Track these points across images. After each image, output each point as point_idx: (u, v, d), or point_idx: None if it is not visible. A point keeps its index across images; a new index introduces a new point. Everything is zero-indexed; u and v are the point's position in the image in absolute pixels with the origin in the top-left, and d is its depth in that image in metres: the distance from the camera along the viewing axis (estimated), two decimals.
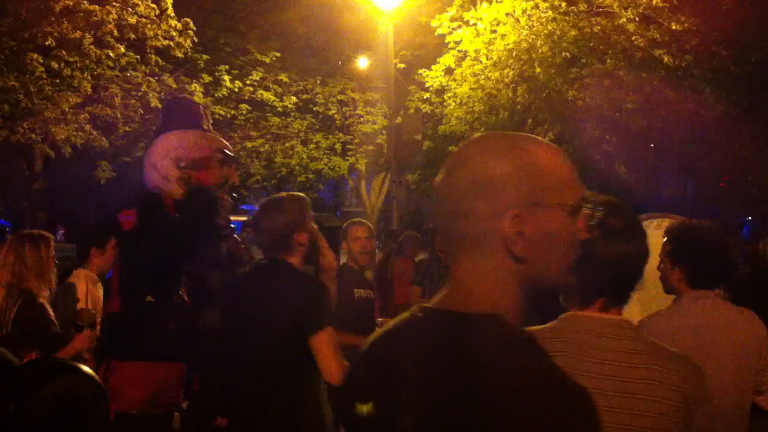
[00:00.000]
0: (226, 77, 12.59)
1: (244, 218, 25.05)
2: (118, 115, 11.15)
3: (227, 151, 3.44)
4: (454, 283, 1.25)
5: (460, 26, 11.96)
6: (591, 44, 11.92)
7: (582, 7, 11.62)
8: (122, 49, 9.92)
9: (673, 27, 11.35)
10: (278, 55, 13.19)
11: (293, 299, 2.93)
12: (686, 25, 11.26)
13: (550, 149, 1.24)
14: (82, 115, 10.54)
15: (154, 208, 3.24)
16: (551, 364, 1.18)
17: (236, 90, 12.87)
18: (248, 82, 13.07)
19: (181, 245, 3.14)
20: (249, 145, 13.62)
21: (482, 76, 12.08)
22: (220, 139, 3.54)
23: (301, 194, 3.28)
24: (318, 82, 13.83)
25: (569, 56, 11.98)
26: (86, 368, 1.53)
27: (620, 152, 15.52)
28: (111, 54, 9.82)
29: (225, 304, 3.18)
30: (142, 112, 11.49)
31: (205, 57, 12.45)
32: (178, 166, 3.25)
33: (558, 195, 1.18)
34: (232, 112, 13.15)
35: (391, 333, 1.30)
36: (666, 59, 11.50)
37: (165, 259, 3.11)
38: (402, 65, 13.40)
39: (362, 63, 14.56)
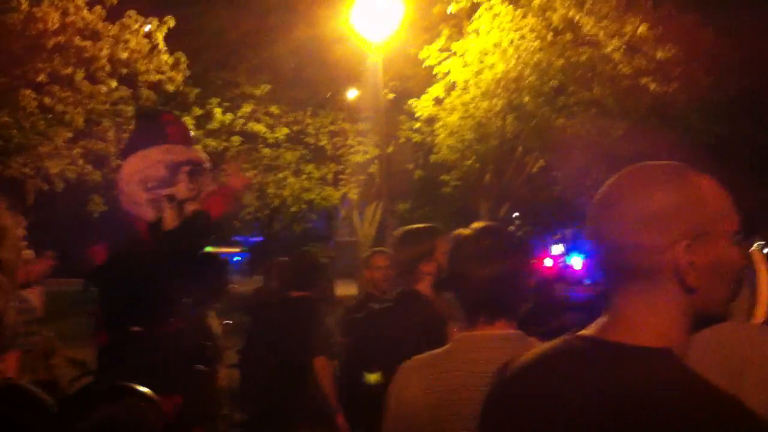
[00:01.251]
0: (217, 110, 12.71)
1: (237, 249, 25.04)
2: (111, 149, 11.24)
3: (197, 161, 3.36)
4: (614, 313, 1.25)
5: (448, 57, 12.12)
6: (578, 73, 12.07)
7: (568, 37, 11.78)
8: (114, 84, 10.02)
9: (658, 56, 11.50)
10: (269, 87, 13.32)
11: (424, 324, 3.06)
12: (671, 52, 11.42)
13: (708, 178, 1.26)
14: (75, 150, 10.62)
15: (125, 236, 3.25)
16: (736, 403, 1.14)
17: (227, 122, 12.97)
18: (239, 114, 13.18)
19: (161, 271, 3.05)
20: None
21: (471, 105, 12.22)
22: (190, 149, 3.43)
23: (435, 226, 3.39)
24: (309, 114, 13.96)
25: (557, 85, 12.14)
26: (144, 389, 1.50)
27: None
28: (103, 89, 9.92)
29: (360, 331, 3.46)
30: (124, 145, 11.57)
31: (195, 90, 12.56)
32: (145, 189, 3.20)
33: (723, 223, 1.20)
34: (224, 144, 13.25)
35: (546, 360, 1.29)
36: (652, 87, 11.65)
37: (144, 287, 3.04)
38: (392, 96, 13.53)
39: (352, 94, 14.70)
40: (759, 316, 2.71)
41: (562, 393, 1.21)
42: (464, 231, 2.16)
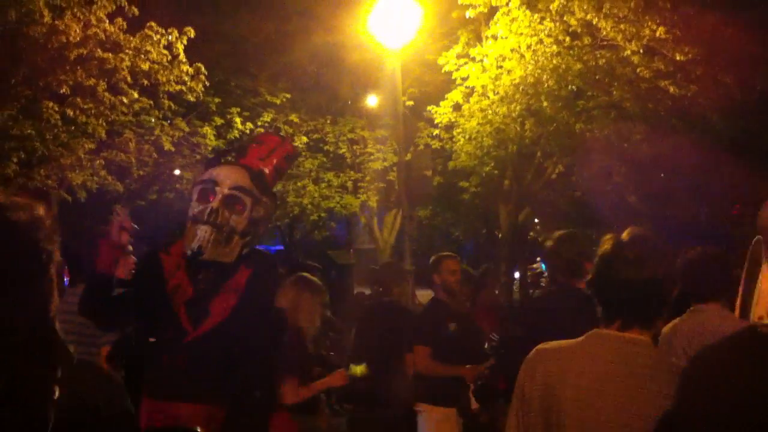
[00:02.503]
0: (237, 119, 12.80)
1: None
2: (132, 160, 11.35)
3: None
4: None
5: (466, 63, 12.13)
6: (596, 77, 12.03)
7: (586, 40, 11.75)
8: (136, 95, 10.13)
9: (678, 58, 11.44)
10: (288, 96, 13.41)
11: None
12: (690, 55, 11.35)
13: None
14: (97, 161, 10.74)
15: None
16: None
17: (247, 132, 13.06)
18: (259, 123, 13.27)
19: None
20: None
21: (490, 111, 12.20)
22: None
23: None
24: (328, 122, 14.03)
25: (575, 89, 12.11)
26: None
27: (630, 182, 15.58)
28: (125, 100, 10.03)
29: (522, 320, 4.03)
30: (155, 155, 11.68)
31: (216, 100, 12.67)
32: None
33: None
34: None
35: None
36: (671, 89, 11.58)
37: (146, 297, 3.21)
38: (411, 102, 13.57)
39: (371, 101, 14.75)
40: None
41: None
42: (617, 236, 2.28)
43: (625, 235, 2.25)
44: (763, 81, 12.87)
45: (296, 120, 13.60)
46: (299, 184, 14.02)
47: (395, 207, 14.75)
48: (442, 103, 12.81)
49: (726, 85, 12.28)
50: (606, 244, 2.28)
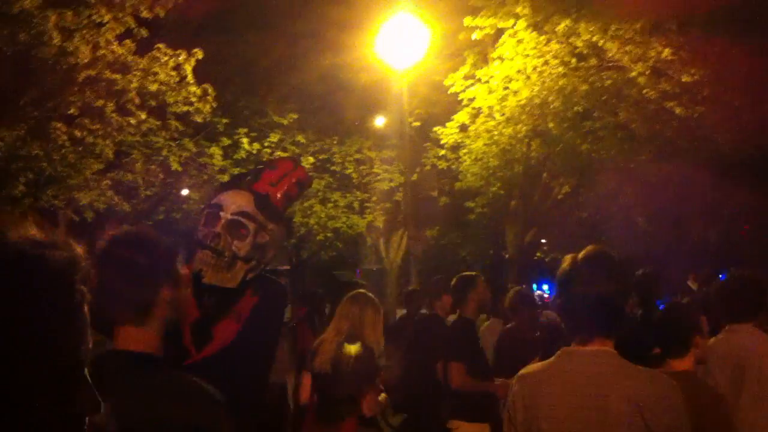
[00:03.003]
0: (245, 140, 12.85)
1: None
2: (140, 180, 11.40)
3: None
4: None
5: (473, 84, 12.16)
6: (603, 98, 12.05)
7: (592, 62, 11.78)
8: (143, 116, 10.18)
9: (684, 79, 11.45)
10: (295, 116, 13.46)
11: None
12: (696, 76, 11.36)
13: None
14: (105, 181, 10.78)
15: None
16: None
17: (254, 152, 13.10)
18: (266, 143, 13.31)
19: None
20: None
21: (496, 132, 12.23)
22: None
23: None
24: (335, 142, 14.07)
25: (581, 110, 12.13)
26: None
27: (638, 203, 15.56)
28: (132, 121, 10.08)
29: None
30: (161, 176, 11.73)
31: (224, 120, 12.73)
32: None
33: None
34: None
35: None
36: (678, 110, 11.59)
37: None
38: (417, 123, 13.60)
39: (378, 122, 14.80)
40: None
41: None
42: (574, 255, 2.47)
43: (581, 254, 2.42)
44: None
45: (303, 140, 13.65)
46: (306, 204, 14.05)
47: (402, 227, 14.75)
48: (448, 124, 12.84)
49: (733, 106, 12.28)
50: (564, 263, 2.47)
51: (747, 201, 16.67)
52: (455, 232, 16.70)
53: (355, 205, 14.55)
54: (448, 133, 12.89)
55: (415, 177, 13.10)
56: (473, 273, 6.11)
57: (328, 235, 14.80)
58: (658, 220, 16.77)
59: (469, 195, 13.90)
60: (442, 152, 13.50)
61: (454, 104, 12.79)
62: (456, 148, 13.17)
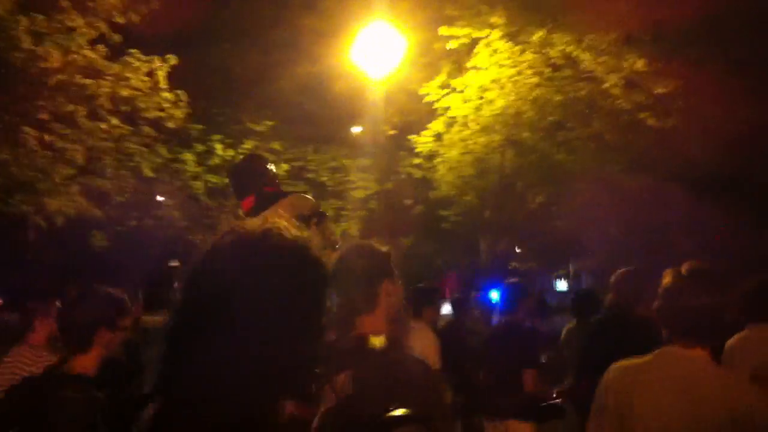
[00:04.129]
0: (218, 146, 12.75)
1: None
2: (110, 186, 11.28)
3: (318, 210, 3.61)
4: None
5: (448, 93, 12.19)
6: (577, 108, 12.12)
7: (567, 72, 11.85)
8: (115, 122, 10.08)
9: (657, 90, 11.54)
10: (271, 123, 13.38)
11: None
12: (670, 88, 11.45)
13: None
14: (75, 187, 10.66)
15: None
16: None
17: (229, 159, 13.01)
18: (241, 150, 13.22)
19: None
20: (242, 212, 13.66)
21: (471, 141, 12.26)
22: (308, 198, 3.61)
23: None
24: (310, 150, 14.01)
25: (556, 120, 12.19)
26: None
27: (612, 213, 15.63)
28: (103, 126, 9.97)
29: None
30: (132, 181, 11.61)
31: (198, 127, 12.64)
32: None
33: None
34: (225, 180, 13.25)
35: None
36: (651, 121, 11.67)
37: None
38: (393, 132, 13.58)
39: (354, 130, 14.74)
40: None
41: None
42: (677, 269, 2.80)
43: (684, 269, 2.76)
44: (744, 115, 12.98)
45: (279, 148, 13.56)
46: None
47: (376, 236, 14.69)
48: (423, 133, 12.85)
49: (706, 118, 12.39)
50: (668, 276, 2.81)
51: (721, 213, 16.80)
52: (429, 241, 16.68)
53: (330, 212, 14.45)
54: (422, 142, 12.90)
55: (389, 185, 13.07)
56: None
57: None
58: (632, 230, 16.84)
59: (443, 204, 13.91)
60: (418, 161, 13.49)
61: (429, 113, 12.81)
62: (431, 157, 13.18)
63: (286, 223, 1.43)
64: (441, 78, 12.35)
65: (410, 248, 16.13)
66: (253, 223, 1.42)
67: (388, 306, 2.53)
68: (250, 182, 4.16)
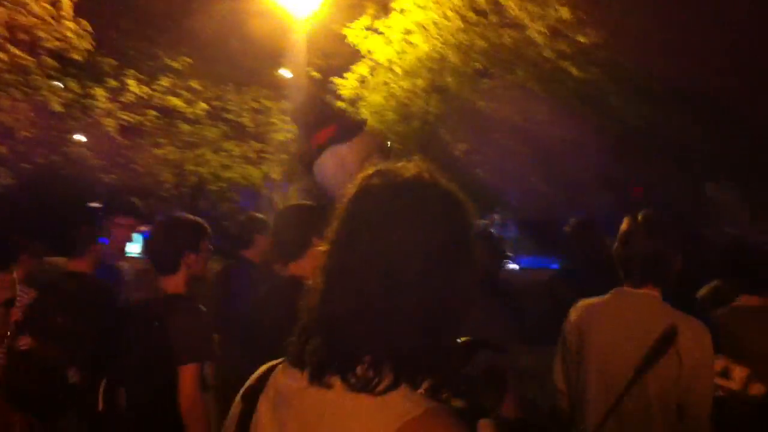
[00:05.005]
0: (132, 82, 12.21)
1: None
2: (12, 121, 10.71)
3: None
4: None
5: (372, 35, 11.90)
6: (502, 56, 11.99)
7: (493, 19, 11.68)
8: (15, 51, 9.47)
9: (581, 40, 11.48)
10: (189, 61, 12.88)
11: None
12: (592, 38, 11.41)
13: None
14: None
15: None
16: None
17: (144, 96, 12.50)
18: (157, 87, 12.72)
19: None
20: (158, 152, 13.25)
21: (395, 85, 12.04)
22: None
23: None
24: (231, 90, 13.56)
25: (480, 67, 12.04)
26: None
27: (534, 164, 15.70)
28: (3, 56, 9.38)
29: None
30: (32, 115, 11.04)
31: (110, 61, 12.08)
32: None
33: None
34: (140, 118, 12.77)
35: None
36: (573, 71, 11.64)
37: None
38: (317, 75, 13.25)
39: (277, 71, 14.32)
40: None
41: None
42: (633, 216, 3.14)
43: (639, 216, 3.08)
44: (667, 68, 13.07)
45: (197, 86, 13.08)
46: (198, 152, 13.53)
47: (298, 179, 14.44)
48: (347, 75, 12.57)
49: (629, 70, 12.43)
50: (624, 223, 3.13)
51: (642, 166, 17.04)
52: None
53: (251, 155, 14.10)
54: (346, 86, 12.62)
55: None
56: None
57: (222, 185, 14.33)
58: (554, 182, 16.96)
59: None
60: (341, 104, 13.20)
61: (355, 56, 12.52)
62: (355, 101, 12.91)
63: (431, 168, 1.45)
64: (365, 20, 12.04)
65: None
66: (402, 167, 1.42)
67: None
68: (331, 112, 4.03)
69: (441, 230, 1.36)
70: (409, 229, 1.33)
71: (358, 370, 1.27)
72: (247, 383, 1.47)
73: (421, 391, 1.29)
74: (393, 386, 1.26)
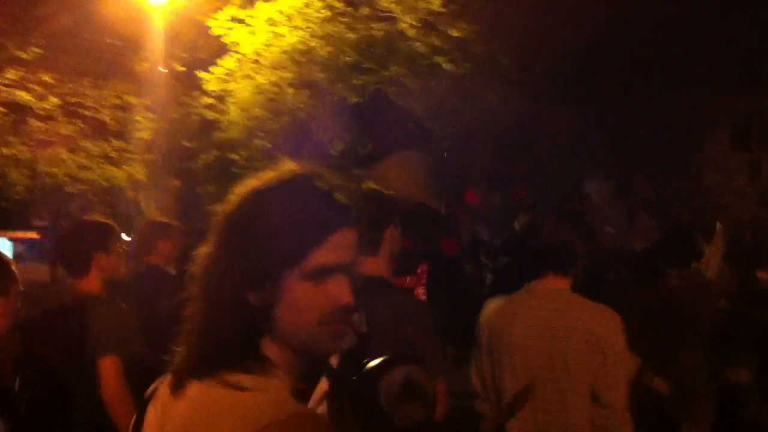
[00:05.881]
0: None
1: (34, 235, 22.95)
2: None
3: None
4: None
5: (236, 27, 11.24)
6: (374, 50, 11.55)
7: (364, 10, 11.21)
8: None
9: (453, 34, 11.15)
10: (39, 51, 11.86)
11: None
12: (466, 32, 11.09)
13: None
14: None
15: None
16: None
17: None
18: (3, 80, 11.68)
19: None
20: (6, 151, 12.19)
21: (261, 79, 11.41)
22: None
23: None
24: (88, 84, 12.58)
25: (352, 61, 11.55)
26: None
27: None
28: None
29: None
30: None
31: None
32: None
33: None
34: None
35: None
36: (447, 66, 11.30)
37: None
38: (181, 68, 12.45)
39: (140, 64, 13.40)
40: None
41: None
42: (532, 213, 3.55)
43: (534, 213, 3.36)
44: (543, 63, 12.94)
45: (49, 80, 12.06)
46: (51, 151, 12.51)
47: (166, 180, 13.58)
48: (212, 69, 11.84)
49: (504, 65, 12.18)
50: (522, 219, 3.47)
51: (525, 164, 17.02)
52: (213, 187, 15.65)
53: (113, 155, 13.13)
54: (212, 80, 11.89)
55: (165, 125, 12.01)
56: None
57: (81, 187, 13.32)
58: (436, 175, 16.69)
59: (234, 147, 12.89)
60: (209, 101, 12.43)
61: (222, 49, 11.82)
62: (222, 96, 12.20)
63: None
64: (231, 10, 11.35)
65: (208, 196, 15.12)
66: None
67: None
68: None
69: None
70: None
71: (220, 373, 1.26)
72: (149, 389, 1.46)
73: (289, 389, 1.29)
74: (254, 388, 1.24)
